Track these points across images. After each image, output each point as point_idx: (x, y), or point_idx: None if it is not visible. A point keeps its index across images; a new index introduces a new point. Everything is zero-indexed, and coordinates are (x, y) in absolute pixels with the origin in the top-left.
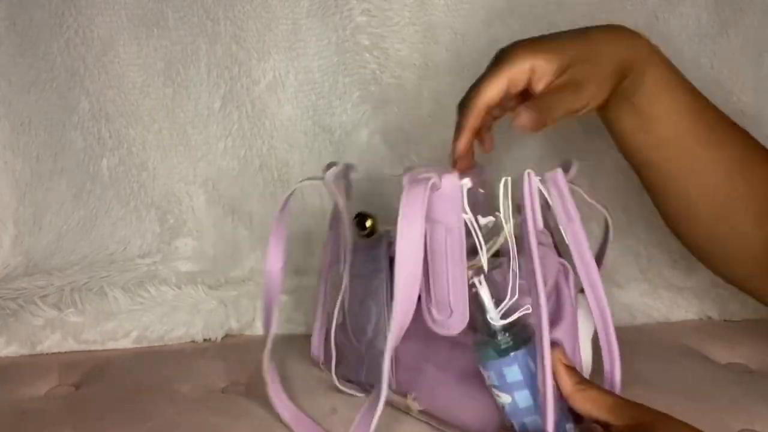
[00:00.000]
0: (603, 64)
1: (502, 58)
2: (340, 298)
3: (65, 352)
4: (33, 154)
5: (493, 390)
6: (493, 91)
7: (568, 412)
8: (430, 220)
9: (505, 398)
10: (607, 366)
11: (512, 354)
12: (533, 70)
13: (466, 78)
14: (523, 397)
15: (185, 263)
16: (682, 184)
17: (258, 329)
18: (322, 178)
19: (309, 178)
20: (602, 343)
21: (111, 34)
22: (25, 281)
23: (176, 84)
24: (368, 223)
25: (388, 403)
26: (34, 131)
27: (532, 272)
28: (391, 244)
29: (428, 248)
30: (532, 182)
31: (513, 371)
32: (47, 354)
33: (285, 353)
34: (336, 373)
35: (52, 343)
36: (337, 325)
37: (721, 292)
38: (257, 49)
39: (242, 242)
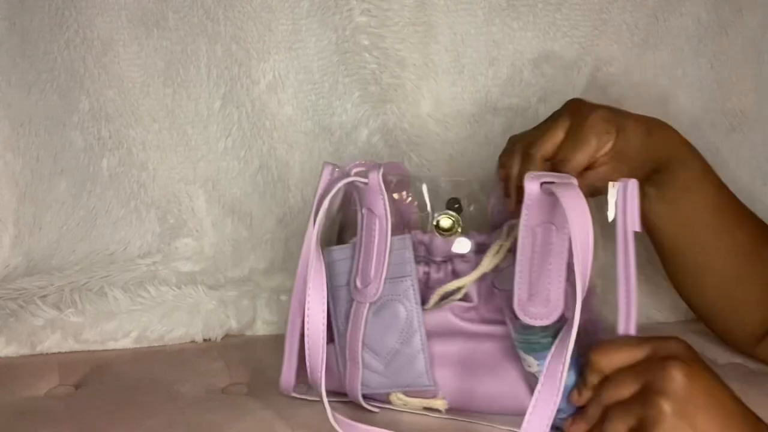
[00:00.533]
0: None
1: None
2: (366, 308)
3: (65, 352)
4: (33, 155)
5: (540, 375)
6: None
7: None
8: (543, 221)
9: None
10: None
11: None
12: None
13: (465, 78)
14: (570, 377)
15: (185, 263)
16: (692, 261)
17: (258, 329)
18: (365, 183)
19: (355, 179)
20: None
21: (111, 34)
22: (25, 281)
23: (176, 84)
24: (446, 224)
25: (397, 410)
26: (34, 131)
27: (629, 271)
28: (415, 247)
29: (537, 245)
30: (632, 188)
31: None
32: (47, 354)
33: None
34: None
35: (52, 343)
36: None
37: None
38: (257, 49)
39: (242, 242)
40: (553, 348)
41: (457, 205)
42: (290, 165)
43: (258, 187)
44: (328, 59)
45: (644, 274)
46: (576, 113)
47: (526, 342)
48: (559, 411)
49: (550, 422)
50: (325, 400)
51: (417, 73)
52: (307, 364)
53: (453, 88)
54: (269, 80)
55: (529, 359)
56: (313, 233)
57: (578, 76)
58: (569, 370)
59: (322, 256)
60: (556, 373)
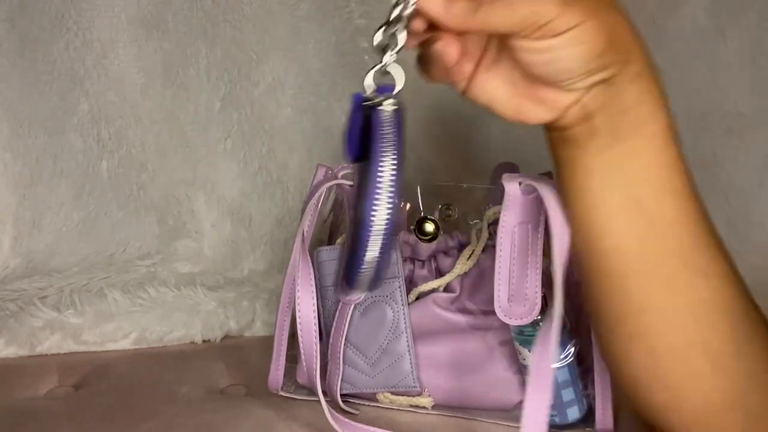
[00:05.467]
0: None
1: None
2: (350, 309)
3: (65, 354)
4: (32, 156)
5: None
6: None
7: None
8: (521, 221)
9: None
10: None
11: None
12: None
13: None
14: (563, 374)
15: (184, 264)
16: (632, 271)
17: (257, 330)
18: (351, 185)
19: (341, 182)
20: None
21: (111, 36)
22: (24, 282)
23: (176, 86)
24: (428, 228)
25: (384, 408)
26: (33, 133)
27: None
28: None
29: (515, 246)
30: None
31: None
32: (47, 355)
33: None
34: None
35: (51, 344)
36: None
37: None
38: (257, 51)
39: (241, 243)
40: (537, 344)
41: (449, 211)
42: (289, 166)
43: (257, 188)
44: (328, 61)
45: None
46: None
47: (521, 334)
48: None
49: (547, 411)
50: (322, 398)
51: (416, 74)
52: (303, 365)
53: (452, 89)
54: (269, 82)
55: (524, 352)
56: (299, 235)
57: None
58: (563, 367)
59: (309, 258)
60: (545, 365)
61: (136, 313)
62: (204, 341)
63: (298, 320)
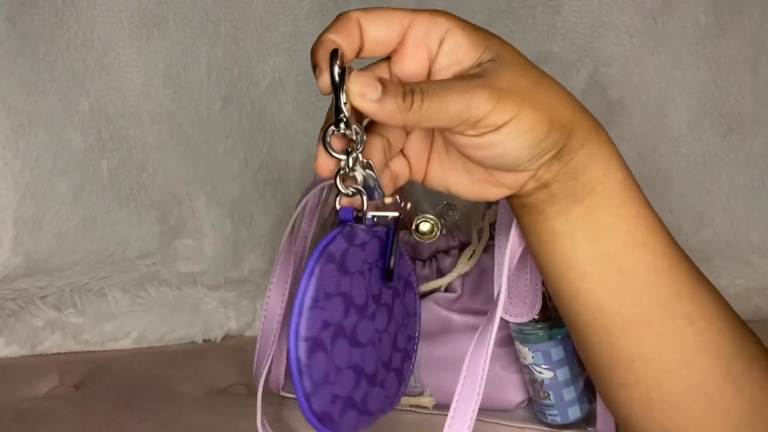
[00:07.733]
0: (549, 97)
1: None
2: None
3: (65, 353)
4: (33, 155)
5: (534, 367)
6: (379, 22)
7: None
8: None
9: (547, 374)
10: None
11: (559, 336)
12: (444, 38)
13: None
14: (563, 372)
15: (185, 264)
16: (617, 322)
17: (257, 330)
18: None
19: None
20: None
21: (111, 35)
22: (25, 282)
23: (176, 85)
24: (425, 228)
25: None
26: (34, 132)
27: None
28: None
29: (514, 244)
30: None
31: (558, 351)
32: (47, 354)
33: None
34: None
35: (52, 343)
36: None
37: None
38: (257, 50)
39: (242, 243)
40: (472, 345)
41: (451, 211)
42: (290, 166)
43: (258, 187)
44: None
45: None
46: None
47: (521, 333)
48: (549, 407)
49: (472, 423)
50: (259, 401)
51: None
52: (255, 359)
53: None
54: (269, 81)
55: (525, 351)
56: (287, 230)
57: (577, 78)
58: (563, 366)
59: (290, 255)
60: (477, 369)
61: (137, 312)
62: (204, 341)
63: (262, 313)
